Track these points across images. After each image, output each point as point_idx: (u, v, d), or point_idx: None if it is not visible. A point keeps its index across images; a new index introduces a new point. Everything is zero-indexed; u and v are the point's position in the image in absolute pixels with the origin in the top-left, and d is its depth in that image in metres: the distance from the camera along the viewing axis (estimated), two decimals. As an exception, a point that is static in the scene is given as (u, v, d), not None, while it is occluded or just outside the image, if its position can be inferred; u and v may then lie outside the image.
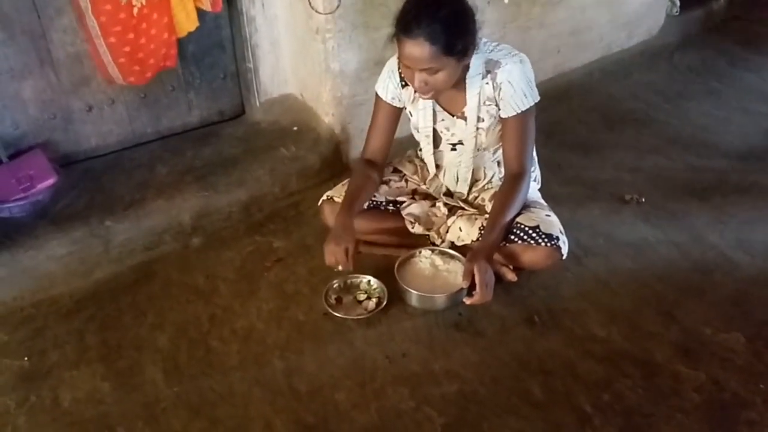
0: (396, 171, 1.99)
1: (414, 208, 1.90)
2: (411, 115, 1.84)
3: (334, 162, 2.37)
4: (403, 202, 1.93)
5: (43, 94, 2.05)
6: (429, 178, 1.95)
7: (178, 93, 2.30)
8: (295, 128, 2.39)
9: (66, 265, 1.90)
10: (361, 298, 1.80)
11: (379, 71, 1.84)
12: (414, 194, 1.97)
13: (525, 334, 1.72)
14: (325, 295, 1.78)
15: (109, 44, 1.94)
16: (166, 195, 2.08)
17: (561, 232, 1.74)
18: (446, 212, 1.89)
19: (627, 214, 2.17)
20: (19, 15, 1.90)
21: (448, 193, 1.96)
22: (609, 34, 3.15)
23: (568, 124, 2.75)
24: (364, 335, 1.72)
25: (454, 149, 1.84)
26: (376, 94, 1.81)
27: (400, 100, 1.80)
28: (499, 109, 1.71)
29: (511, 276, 1.82)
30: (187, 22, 2.07)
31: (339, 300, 1.80)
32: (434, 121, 1.80)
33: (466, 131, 1.78)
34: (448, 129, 1.81)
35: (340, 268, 1.71)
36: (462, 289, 1.67)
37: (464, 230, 1.82)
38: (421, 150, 1.94)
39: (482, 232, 1.76)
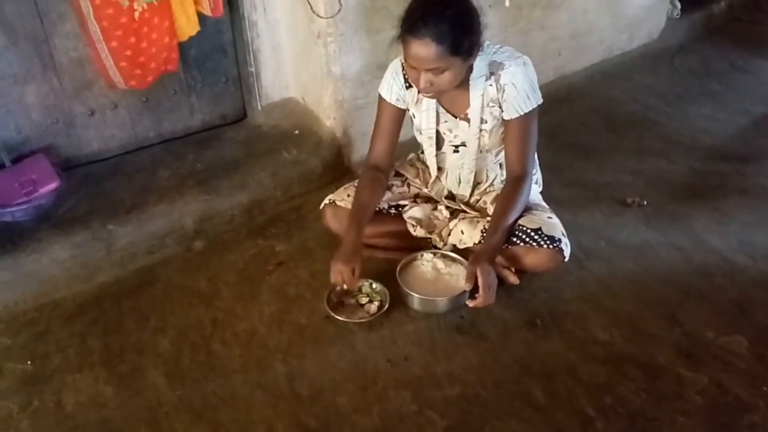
0: (398, 175, 1.99)
1: (416, 212, 1.90)
2: (414, 117, 1.84)
3: (336, 165, 2.37)
4: (405, 205, 1.93)
5: (46, 98, 2.06)
6: (431, 181, 1.96)
7: (180, 97, 2.31)
8: (297, 132, 2.40)
9: (68, 268, 1.91)
10: (363, 302, 1.80)
11: (381, 74, 1.84)
12: (416, 198, 1.97)
13: (527, 337, 1.72)
14: (326, 299, 1.78)
15: (111, 48, 1.95)
16: (168, 199, 2.08)
17: (563, 234, 1.74)
18: (448, 215, 1.89)
19: (628, 217, 2.17)
20: (23, 21, 1.91)
21: (450, 196, 1.96)
22: (610, 37, 3.16)
23: (569, 126, 2.76)
24: (365, 339, 1.72)
25: (456, 151, 1.84)
26: (380, 97, 1.82)
27: (404, 102, 1.80)
28: (502, 111, 1.72)
29: (513, 279, 1.83)
30: (188, 27, 2.08)
31: (341, 303, 1.80)
32: (437, 123, 1.81)
33: (469, 133, 1.78)
34: (450, 131, 1.81)
35: (345, 286, 1.71)
36: (464, 291, 1.67)
37: (466, 233, 1.82)
38: (423, 153, 1.94)
39: (484, 234, 1.76)
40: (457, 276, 1.78)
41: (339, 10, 2.06)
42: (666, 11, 3.44)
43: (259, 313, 1.82)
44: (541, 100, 1.72)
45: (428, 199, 1.97)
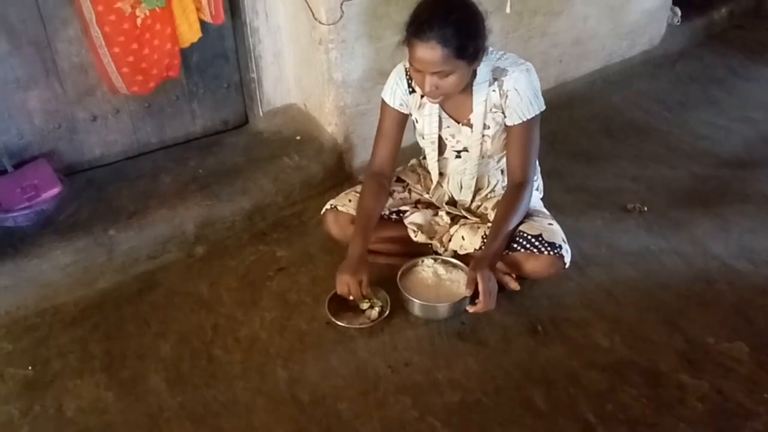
0: (399, 180, 2.00)
1: (417, 217, 1.91)
2: (416, 122, 1.85)
3: (337, 171, 2.38)
4: (406, 211, 1.93)
5: (49, 104, 2.06)
6: (432, 187, 1.96)
7: (182, 103, 2.32)
8: (298, 138, 2.40)
9: (70, 274, 1.91)
10: (364, 307, 1.79)
11: (382, 81, 1.85)
12: (417, 204, 1.98)
13: (528, 344, 1.72)
14: (327, 305, 1.78)
15: (113, 54, 1.96)
16: (170, 204, 2.08)
17: (563, 240, 1.74)
18: (449, 221, 1.90)
19: (630, 223, 2.17)
20: (26, 26, 1.92)
21: (451, 202, 1.97)
22: (611, 44, 3.17)
23: (570, 133, 2.76)
24: (366, 345, 1.72)
25: (458, 156, 1.85)
26: (383, 101, 1.82)
27: (407, 107, 1.81)
28: (505, 117, 1.72)
29: (513, 285, 1.83)
30: (189, 33, 2.09)
31: (341, 309, 1.79)
32: (440, 128, 1.81)
33: (471, 138, 1.79)
34: (453, 136, 1.82)
35: (351, 297, 1.71)
36: (465, 297, 1.67)
37: (467, 239, 1.83)
38: (424, 158, 1.95)
39: (485, 240, 1.76)
40: (457, 282, 1.78)
41: (341, 17, 2.07)
42: (667, 18, 3.44)
43: (260, 319, 1.82)
44: (543, 107, 1.73)
45: (429, 205, 1.97)
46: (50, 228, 1.95)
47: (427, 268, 1.84)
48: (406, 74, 1.76)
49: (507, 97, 1.69)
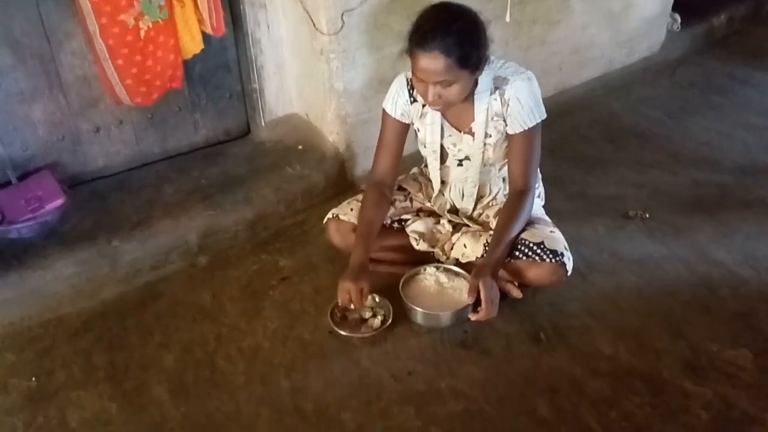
0: (401, 189, 2.00)
1: (418, 225, 1.91)
2: (418, 131, 1.85)
3: (339, 180, 2.38)
4: (408, 219, 1.94)
5: (52, 116, 2.08)
6: (434, 195, 1.96)
7: (185, 113, 2.33)
8: (300, 147, 2.41)
9: (73, 285, 1.92)
10: (367, 316, 1.79)
11: (383, 90, 1.86)
12: (419, 212, 1.98)
13: (531, 352, 1.72)
14: (330, 314, 1.79)
15: (117, 66, 1.98)
16: (173, 214, 2.09)
17: (565, 248, 1.74)
18: (451, 229, 1.90)
19: (631, 230, 2.17)
20: (30, 39, 1.94)
21: (453, 210, 1.97)
22: (610, 51, 3.18)
23: (571, 140, 2.76)
24: (369, 354, 1.72)
25: (460, 165, 1.86)
26: (384, 112, 1.83)
27: (408, 116, 1.82)
28: (506, 125, 1.73)
29: (516, 292, 1.83)
30: (192, 45, 2.10)
31: (344, 318, 1.80)
32: (441, 137, 1.82)
33: (473, 147, 1.79)
34: (455, 145, 1.82)
35: (352, 306, 1.71)
36: (467, 305, 1.67)
37: (469, 247, 1.83)
38: (426, 166, 1.95)
39: (487, 248, 1.76)
40: (460, 290, 1.78)
41: (341, 27, 2.08)
42: (666, 25, 3.46)
43: (263, 329, 1.83)
44: (545, 115, 1.73)
45: (431, 213, 1.97)
46: (54, 239, 1.96)
47: (430, 277, 1.84)
48: (408, 84, 1.77)
49: (508, 105, 1.70)
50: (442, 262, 1.88)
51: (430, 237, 1.91)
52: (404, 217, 1.95)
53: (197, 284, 2.01)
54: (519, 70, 1.72)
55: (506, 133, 1.75)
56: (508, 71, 1.71)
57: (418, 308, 1.72)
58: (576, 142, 2.75)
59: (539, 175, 1.94)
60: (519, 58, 2.64)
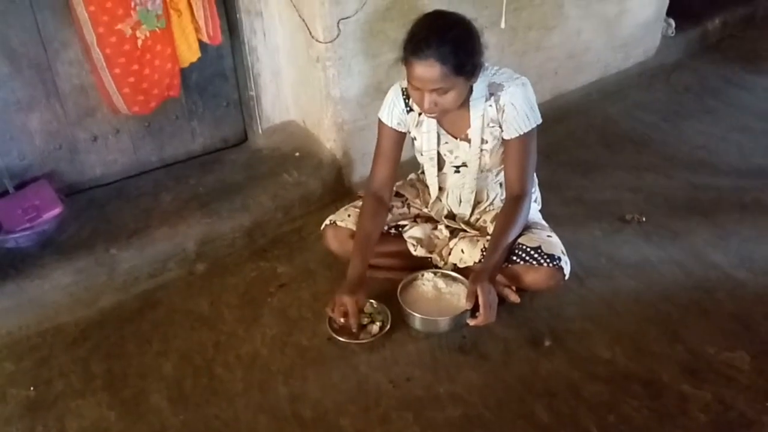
0: (398, 195, 2.01)
1: (416, 231, 1.91)
2: (415, 140, 1.86)
3: (336, 187, 2.39)
4: (405, 225, 1.94)
5: (49, 125, 2.08)
6: (431, 201, 1.97)
7: (182, 121, 2.34)
8: (297, 154, 2.42)
9: (71, 294, 1.92)
10: (365, 322, 1.79)
11: (379, 97, 1.87)
12: (416, 218, 1.99)
13: (529, 356, 1.72)
14: (328, 320, 1.79)
15: (114, 75, 1.98)
16: (171, 222, 2.10)
17: (563, 252, 1.75)
18: (448, 234, 1.91)
19: (628, 234, 2.18)
20: (26, 49, 1.94)
21: (450, 216, 1.98)
22: (606, 56, 3.20)
23: (567, 145, 2.78)
24: (367, 360, 1.72)
25: (457, 171, 1.86)
26: (380, 122, 1.84)
27: (405, 125, 1.83)
28: (502, 131, 1.74)
29: (513, 297, 1.83)
30: (189, 53, 2.11)
31: (342, 325, 1.80)
32: (438, 144, 1.83)
33: (469, 153, 1.80)
34: (451, 152, 1.83)
35: (341, 320, 1.71)
36: (465, 311, 1.67)
37: (466, 252, 1.83)
38: (423, 173, 1.96)
39: (484, 253, 1.77)
40: (458, 295, 1.79)
41: (337, 35, 2.10)
42: (661, 30, 3.48)
43: (262, 336, 1.83)
44: (540, 120, 1.74)
45: (428, 219, 1.98)
46: (51, 248, 1.96)
47: (427, 282, 1.85)
48: (403, 94, 1.78)
49: (504, 111, 1.70)
50: (439, 268, 1.89)
51: (427, 242, 1.91)
52: (402, 223, 1.95)
53: (195, 292, 2.01)
54: (513, 75, 1.73)
55: (502, 138, 1.76)
56: (503, 77, 1.72)
57: (416, 314, 1.73)
58: (572, 147, 2.77)
59: (536, 180, 1.95)
60: (515, 63, 2.66)
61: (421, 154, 1.88)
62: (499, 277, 1.77)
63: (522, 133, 1.72)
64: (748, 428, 1.50)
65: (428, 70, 1.54)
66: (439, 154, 1.85)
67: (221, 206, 2.17)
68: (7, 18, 1.88)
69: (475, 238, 1.86)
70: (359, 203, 1.92)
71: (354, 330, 1.74)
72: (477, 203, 1.94)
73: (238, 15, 2.23)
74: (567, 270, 1.74)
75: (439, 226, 1.93)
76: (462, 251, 1.84)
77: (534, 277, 1.74)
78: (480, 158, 1.80)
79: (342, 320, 1.71)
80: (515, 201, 1.77)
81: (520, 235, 1.77)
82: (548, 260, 1.71)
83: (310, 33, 2.13)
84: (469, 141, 1.78)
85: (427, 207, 1.98)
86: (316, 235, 2.09)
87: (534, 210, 1.92)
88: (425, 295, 1.82)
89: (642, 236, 2.17)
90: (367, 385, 1.65)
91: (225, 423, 1.57)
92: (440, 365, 1.70)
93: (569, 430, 1.52)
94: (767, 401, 1.56)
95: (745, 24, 4.07)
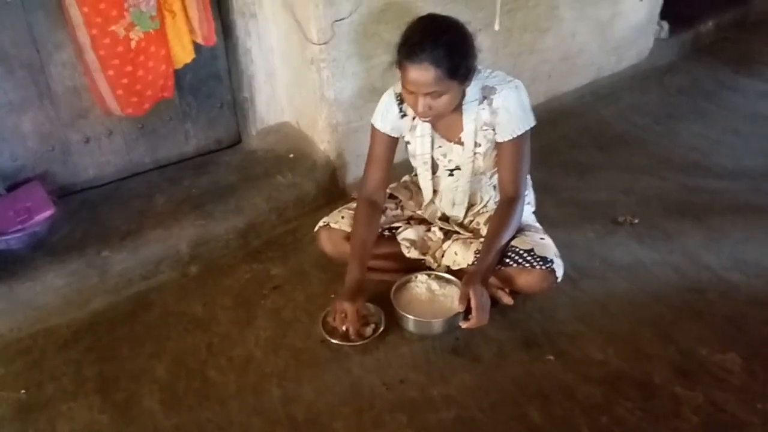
0: (392, 197, 2.01)
1: (409, 233, 1.91)
2: (408, 144, 1.86)
3: (331, 188, 2.39)
4: (399, 227, 1.94)
5: (42, 126, 2.08)
6: (425, 204, 1.97)
7: (176, 123, 2.33)
8: (292, 155, 2.42)
9: (63, 296, 1.91)
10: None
11: (373, 98, 1.87)
12: (410, 220, 1.99)
13: (522, 358, 1.72)
14: (321, 322, 1.78)
15: (108, 77, 1.98)
16: (164, 224, 2.09)
17: (555, 254, 1.75)
18: (442, 236, 1.91)
19: (622, 236, 2.19)
20: (19, 50, 1.93)
21: (444, 218, 1.98)
22: (599, 59, 3.21)
23: (561, 147, 2.78)
24: (361, 362, 1.72)
25: (451, 174, 1.86)
26: (373, 127, 1.83)
27: (398, 131, 1.83)
28: (496, 134, 1.74)
29: (507, 299, 1.83)
30: (183, 54, 2.11)
31: (336, 327, 1.79)
32: (432, 148, 1.83)
33: (463, 156, 1.80)
34: (445, 155, 1.83)
35: (344, 328, 1.71)
36: (459, 313, 1.67)
37: (460, 254, 1.83)
38: (416, 175, 1.96)
39: (478, 255, 1.77)
40: (451, 297, 1.79)
41: (332, 37, 2.10)
42: (654, 32, 3.49)
43: (255, 338, 1.82)
44: (533, 123, 1.75)
45: (422, 221, 1.98)
46: (43, 250, 1.95)
47: (421, 284, 1.85)
48: (397, 99, 1.78)
49: (497, 114, 1.71)
50: (433, 270, 1.89)
51: (421, 245, 1.91)
52: (395, 224, 1.95)
53: (188, 294, 2.00)
54: (506, 78, 1.73)
55: (496, 141, 1.76)
56: (496, 80, 1.72)
57: (409, 316, 1.73)
58: (566, 149, 2.78)
59: (529, 182, 1.95)
60: (509, 65, 2.67)
61: (415, 158, 1.88)
62: (492, 279, 1.77)
63: (515, 136, 1.72)
64: (740, 429, 1.51)
65: (422, 73, 1.55)
66: (432, 157, 1.85)
67: (215, 208, 2.17)
68: (0, 19, 1.87)
69: (469, 240, 1.86)
70: (353, 205, 1.92)
71: (354, 336, 1.73)
72: (471, 206, 1.94)
73: (232, 16, 2.23)
74: (560, 272, 1.74)
75: (433, 228, 1.93)
76: (455, 253, 1.84)
77: (527, 279, 1.74)
78: (473, 161, 1.80)
79: (344, 328, 1.71)
80: (508, 203, 1.77)
81: (513, 238, 1.77)
82: (541, 263, 1.71)
83: (305, 35, 2.13)
84: (462, 144, 1.79)
85: (420, 209, 1.98)
86: (310, 237, 2.08)
87: (527, 212, 1.93)
88: (419, 297, 1.82)
89: (635, 238, 2.17)
90: (360, 388, 1.65)
91: (218, 426, 1.57)
92: (434, 367, 1.70)
93: (562, 431, 1.52)
94: (759, 403, 1.57)
95: (738, 27, 4.09)
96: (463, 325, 1.65)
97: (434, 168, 1.88)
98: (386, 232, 1.94)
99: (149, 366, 1.74)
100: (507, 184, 1.78)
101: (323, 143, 2.39)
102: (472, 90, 1.70)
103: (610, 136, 2.89)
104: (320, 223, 1.93)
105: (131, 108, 2.08)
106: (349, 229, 1.86)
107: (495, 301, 1.77)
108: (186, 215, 2.13)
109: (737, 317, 1.83)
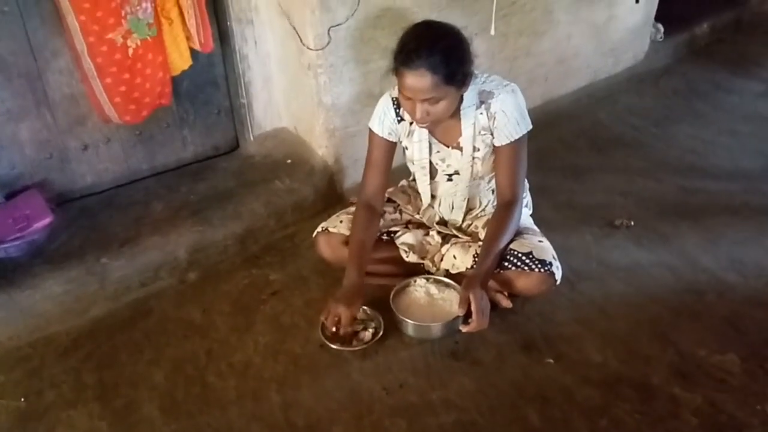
0: (390, 201, 2.01)
1: (408, 237, 1.92)
2: (406, 149, 1.87)
3: (329, 193, 2.39)
4: (397, 231, 1.95)
5: (40, 134, 2.08)
6: (423, 208, 1.98)
7: (173, 129, 2.34)
8: (289, 161, 2.42)
9: (62, 303, 1.90)
10: (358, 329, 1.79)
11: (371, 103, 1.87)
12: (408, 224, 1.99)
13: (522, 361, 1.72)
14: (321, 327, 1.79)
15: (106, 85, 1.98)
16: (162, 231, 2.09)
17: (554, 257, 1.76)
18: (440, 240, 1.91)
19: (619, 238, 2.19)
20: (16, 58, 1.94)
21: (442, 222, 1.98)
22: (595, 62, 3.22)
23: (558, 149, 2.79)
24: (360, 367, 1.72)
25: (450, 179, 1.87)
26: (371, 132, 1.84)
27: (396, 135, 1.83)
28: (493, 138, 1.75)
29: (505, 302, 1.84)
30: (180, 61, 2.11)
31: (335, 331, 1.79)
32: (429, 153, 1.83)
33: (461, 161, 1.81)
34: (443, 160, 1.84)
35: (333, 329, 1.71)
36: (458, 317, 1.68)
37: (458, 258, 1.84)
38: (414, 180, 1.97)
39: (476, 259, 1.77)
40: (450, 301, 1.79)
41: (328, 43, 2.10)
42: (649, 35, 3.51)
43: (254, 344, 1.82)
44: (530, 126, 1.75)
45: (420, 225, 1.98)
46: (42, 258, 1.95)
47: (420, 288, 1.85)
48: (394, 103, 1.79)
49: (495, 119, 1.71)
50: (432, 274, 1.89)
51: (419, 249, 1.91)
52: (393, 229, 1.95)
53: (187, 300, 2.00)
54: (503, 83, 1.74)
55: (493, 145, 1.77)
56: (492, 85, 1.73)
57: (408, 320, 1.73)
58: (562, 152, 2.78)
59: (527, 185, 1.96)
60: (505, 69, 2.68)
61: (413, 163, 1.88)
62: (491, 283, 1.77)
63: (513, 140, 1.73)
64: (740, 431, 1.51)
65: (419, 80, 1.55)
66: (431, 162, 1.86)
67: (213, 214, 2.17)
68: (-4, 27, 1.88)
69: (467, 243, 1.86)
70: (351, 209, 1.92)
71: (345, 334, 1.74)
72: (469, 210, 1.94)
73: (229, 23, 2.24)
74: (558, 275, 1.75)
75: (431, 232, 1.94)
76: (454, 257, 1.85)
77: (526, 282, 1.74)
78: (472, 166, 1.81)
79: (334, 329, 1.71)
80: (506, 207, 1.78)
81: (511, 241, 1.77)
82: (539, 265, 1.71)
83: (301, 40, 2.14)
84: (461, 149, 1.79)
85: (418, 213, 1.99)
86: (309, 242, 2.08)
87: (525, 215, 1.93)
88: (418, 301, 1.82)
89: (633, 240, 2.18)
90: (360, 392, 1.65)
91: (218, 432, 1.57)
92: (433, 371, 1.70)
93: (562, 434, 1.52)
94: (758, 404, 1.57)
95: (733, 28, 4.12)
96: (463, 328, 1.65)
97: (432, 173, 1.88)
98: (384, 236, 1.94)
99: (148, 372, 1.74)
100: (504, 187, 1.79)
101: (321, 148, 2.40)
102: (470, 95, 1.70)
103: (606, 138, 2.90)
104: (318, 228, 1.93)
105: (129, 115, 2.08)
106: (347, 233, 1.86)
107: (494, 305, 1.78)
108: (184, 221, 2.13)
109: (735, 318, 1.84)
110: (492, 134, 1.75)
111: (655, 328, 1.81)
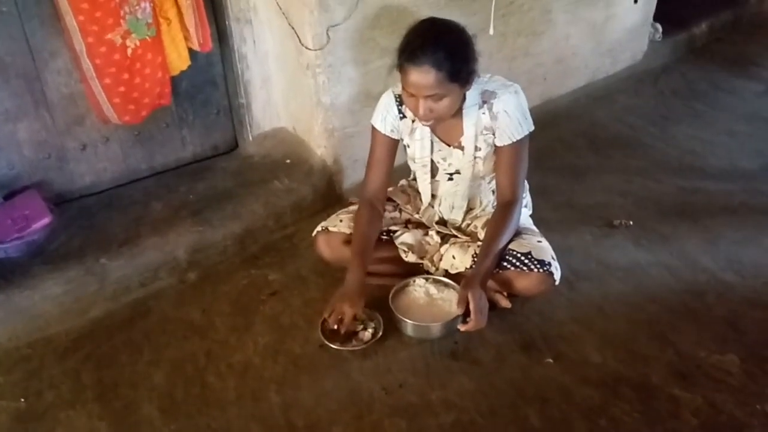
0: (389, 200, 2.01)
1: (407, 237, 1.92)
2: (408, 147, 1.87)
3: (328, 193, 2.39)
4: (396, 230, 1.95)
5: (38, 134, 2.08)
6: (423, 207, 1.98)
7: (172, 129, 2.33)
8: (288, 161, 2.42)
9: (61, 304, 1.90)
10: (357, 329, 1.79)
11: (370, 104, 1.87)
12: (407, 223, 1.99)
13: (521, 361, 1.72)
14: (320, 327, 1.78)
15: (105, 85, 1.98)
16: (161, 231, 2.09)
17: (553, 257, 1.76)
18: (439, 240, 1.91)
19: (618, 238, 2.19)
20: (14, 58, 1.94)
21: (441, 222, 1.98)
22: (594, 61, 3.22)
23: (557, 149, 2.79)
24: (360, 367, 1.72)
25: (450, 179, 1.87)
26: (373, 128, 1.84)
27: (398, 132, 1.83)
28: (495, 138, 1.75)
29: (505, 302, 1.84)
30: (179, 61, 2.11)
31: (335, 331, 1.79)
32: (431, 152, 1.83)
33: (463, 161, 1.81)
34: (445, 159, 1.84)
35: (335, 327, 1.71)
36: (457, 316, 1.68)
37: (458, 258, 1.84)
38: (414, 179, 1.97)
39: (475, 259, 1.77)
40: (449, 301, 1.79)
41: (327, 43, 2.10)
42: (648, 34, 3.51)
43: (254, 344, 1.82)
44: (532, 127, 1.75)
45: (419, 225, 1.98)
46: (41, 258, 1.95)
47: (419, 288, 1.85)
48: (396, 100, 1.79)
49: (497, 119, 1.71)
50: (431, 274, 1.89)
51: (419, 248, 1.91)
52: (393, 228, 1.95)
53: (186, 300, 2.00)
54: (506, 83, 1.74)
55: (494, 145, 1.77)
56: (495, 85, 1.73)
57: (408, 320, 1.73)
58: (561, 152, 2.78)
59: (527, 185, 1.96)
60: (504, 69, 2.68)
61: (414, 162, 1.88)
62: (490, 283, 1.77)
63: (514, 141, 1.73)
64: (739, 431, 1.51)
65: (424, 76, 1.55)
66: (432, 161, 1.86)
67: (212, 214, 2.17)
68: (-5, 27, 1.88)
69: (466, 243, 1.86)
70: (351, 209, 1.92)
71: (344, 332, 1.74)
72: (469, 209, 1.94)
73: (227, 22, 2.24)
74: (557, 275, 1.75)
75: (430, 232, 1.94)
76: (453, 257, 1.85)
77: (525, 282, 1.75)
78: (474, 165, 1.81)
79: (335, 326, 1.71)
80: (506, 207, 1.78)
81: (510, 241, 1.77)
82: (539, 266, 1.72)
83: (300, 40, 2.14)
84: (462, 149, 1.79)
85: (418, 213, 1.99)
86: (308, 242, 2.08)
87: (524, 215, 1.93)
88: (417, 301, 1.82)
89: (632, 240, 2.18)
90: (359, 393, 1.65)
91: (217, 432, 1.57)
92: (432, 371, 1.70)
93: (561, 434, 1.53)
94: (757, 404, 1.57)
95: (731, 28, 4.12)
96: (462, 328, 1.66)
97: (433, 172, 1.88)
98: (384, 236, 1.94)
99: (148, 373, 1.74)
100: (505, 188, 1.79)
101: (320, 148, 2.40)
102: (472, 94, 1.70)
103: (605, 138, 2.90)
104: (318, 228, 1.93)
105: (128, 116, 2.08)
106: (347, 232, 1.86)
107: (493, 305, 1.78)
108: (183, 221, 2.13)
109: (735, 318, 1.84)
110: (494, 134, 1.75)
111: (654, 328, 1.81)
